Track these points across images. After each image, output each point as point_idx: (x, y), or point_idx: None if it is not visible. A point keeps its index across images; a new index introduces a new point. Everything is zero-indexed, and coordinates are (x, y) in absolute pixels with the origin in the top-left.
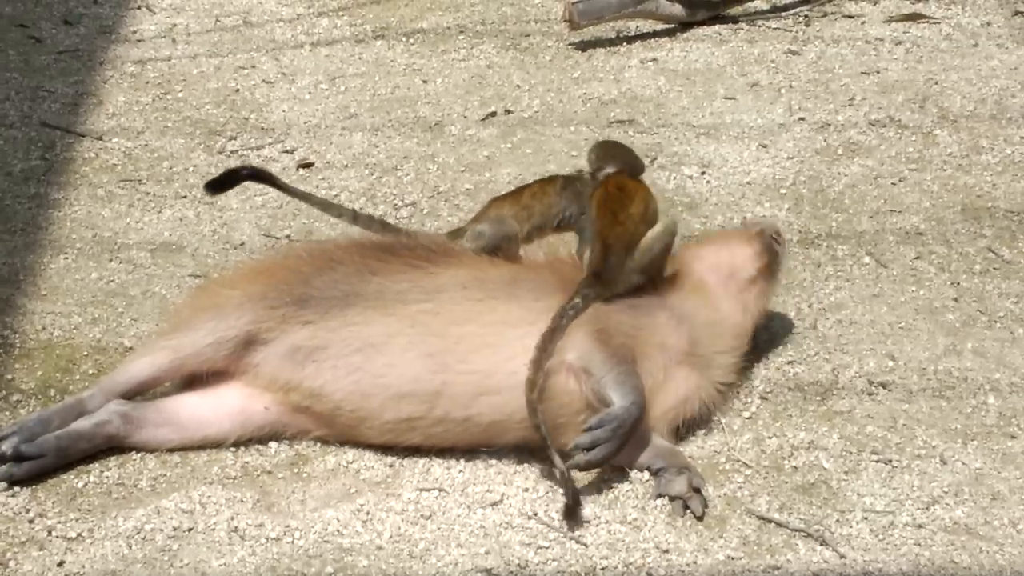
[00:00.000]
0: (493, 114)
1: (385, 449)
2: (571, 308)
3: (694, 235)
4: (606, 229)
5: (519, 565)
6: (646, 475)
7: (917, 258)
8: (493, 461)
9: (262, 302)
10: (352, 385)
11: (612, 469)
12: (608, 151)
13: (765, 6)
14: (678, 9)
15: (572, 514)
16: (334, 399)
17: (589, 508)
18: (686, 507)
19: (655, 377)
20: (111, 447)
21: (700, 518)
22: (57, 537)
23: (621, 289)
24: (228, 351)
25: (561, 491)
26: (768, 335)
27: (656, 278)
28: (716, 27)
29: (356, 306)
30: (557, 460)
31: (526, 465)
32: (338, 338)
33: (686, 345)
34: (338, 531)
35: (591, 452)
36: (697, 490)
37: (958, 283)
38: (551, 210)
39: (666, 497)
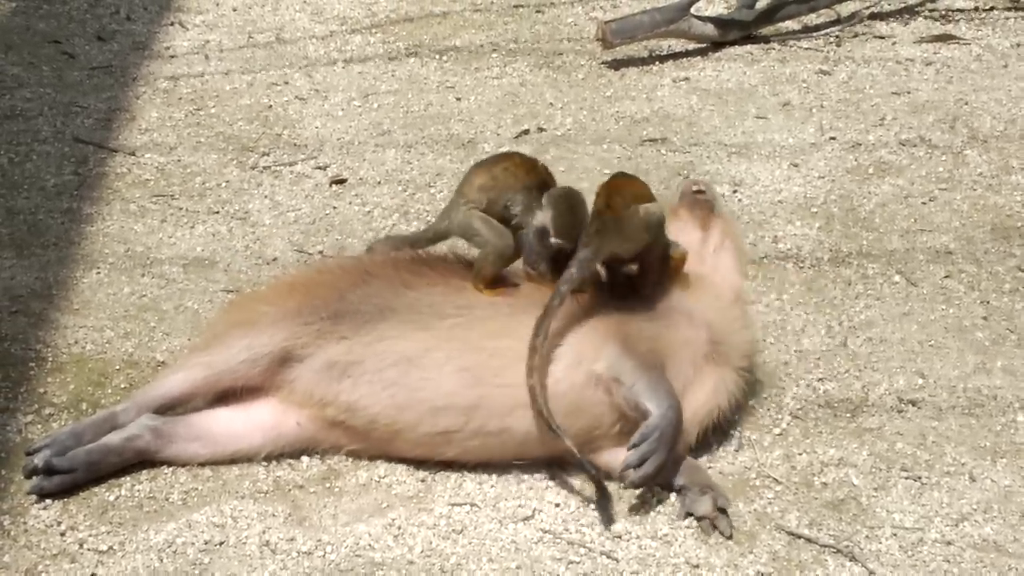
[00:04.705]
0: (526, 132)
1: (417, 464)
2: (564, 282)
3: None
4: (598, 206)
5: None
6: None
7: (947, 277)
8: (525, 476)
9: (297, 318)
10: (388, 399)
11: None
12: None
13: (796, 26)
14: (710, 29)
15: (602, 492)
16: (370, 413)
17: (620, 523)
18: (715, 527)
19: (686, 374)
20: (142, 461)
21: (729, 538)
22: (88, 550)
23: (621, 250)
24: (263, 367)
25: (592, 504)
26: (799, 352)
27: (657, 281)
28: (748, 47)
29: (390, 320)
30: (568, 441)
31: (558, 480)
32: (373, 352)
33: (707, 336)
34: (370, 545)
35: (641, 468)
36: (723, 510)
37: (988, 302)
38: (508, 191)
39: (692, 517)
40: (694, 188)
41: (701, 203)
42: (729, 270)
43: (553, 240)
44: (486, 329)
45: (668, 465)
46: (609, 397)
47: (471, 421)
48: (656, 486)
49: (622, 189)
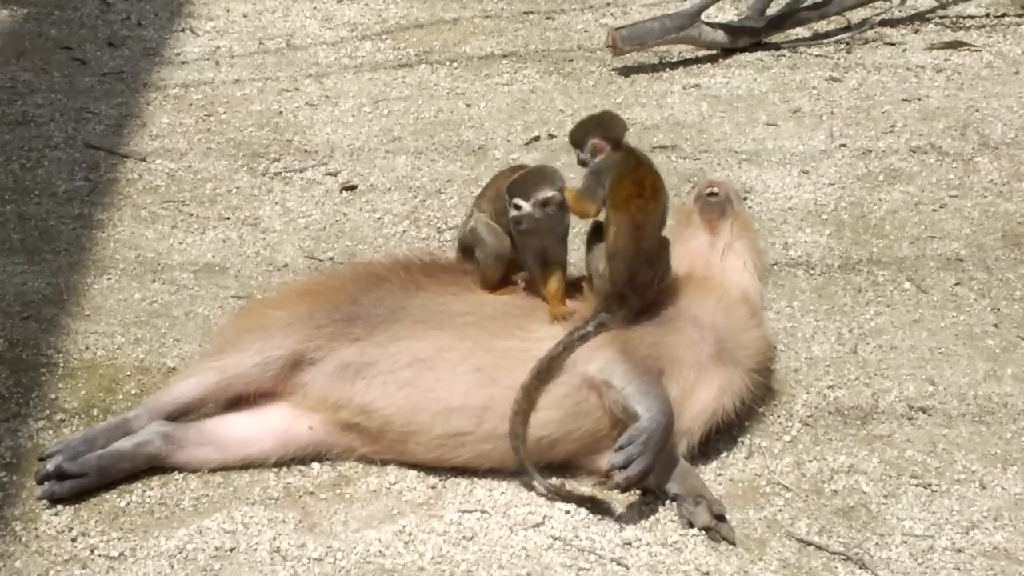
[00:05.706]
0: (536, 138)
1: (427, 470)
2: (580, 337)
3: None
4: (632, 254)
5: None
6: None
7: (957, 284)
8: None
9: (309, 322)
10: (403, 400)
11: (649, 491)
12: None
13: (807, 33)
14: (720, 35)
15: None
16: (385, 414)
17: (630, 530)
18: (720, 536)
19: (687, 377)
20: (153, 467)
21: (733, 543)
22: (99, 556)
23: (642, 305)
24: (275, 372)
25: (602, 511)
26: (809, 359)
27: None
28: (758, 53)
29: (403, 321)
30: (540, 483)
31: (568, 487)
32: (387, 353)
33: (712, 338)
34: (380, 552)
35: (627, 470)
36: (720, 517)
37: (998, 309)
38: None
39: (696, 528)
40: (707, 190)
41: (712, 205)
42: (736, 271)
43: (512, 204)
44: (495, 329)
45: (658, 469)
46: (601, 400)
47: (483, 423)
48: (652, 491)
49: (648, 240)
